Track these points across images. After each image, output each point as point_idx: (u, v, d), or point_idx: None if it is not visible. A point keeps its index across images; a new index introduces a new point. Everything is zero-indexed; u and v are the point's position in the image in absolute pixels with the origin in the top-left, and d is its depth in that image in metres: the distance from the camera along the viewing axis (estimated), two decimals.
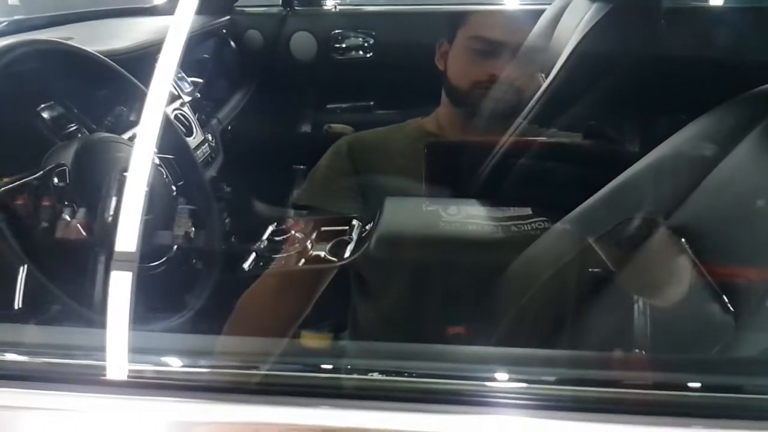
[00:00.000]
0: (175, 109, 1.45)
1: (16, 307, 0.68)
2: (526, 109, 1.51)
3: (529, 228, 1.07)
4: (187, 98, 1.54)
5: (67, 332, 0.73)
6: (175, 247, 0.95)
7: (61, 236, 0.78)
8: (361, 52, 2.07)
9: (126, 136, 1.03)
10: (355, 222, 1.30)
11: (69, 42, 0.96)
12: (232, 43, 2.08)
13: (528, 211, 1.09)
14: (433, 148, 1.12)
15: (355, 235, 1.25)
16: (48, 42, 0.91)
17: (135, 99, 1.03)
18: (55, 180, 0.82)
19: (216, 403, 0.59)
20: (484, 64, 1.16)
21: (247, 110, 1.99)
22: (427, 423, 0.57)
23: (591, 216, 1.01)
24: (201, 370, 0.65)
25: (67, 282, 0.75)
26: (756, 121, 0.89)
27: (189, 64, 1.78)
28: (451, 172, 1.13)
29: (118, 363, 0.60)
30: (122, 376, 0.60)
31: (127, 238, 0.63)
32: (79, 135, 0.98)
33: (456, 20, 1.22)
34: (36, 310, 0.70)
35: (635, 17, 1.19)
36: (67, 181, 0.82)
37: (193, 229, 0.95)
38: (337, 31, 2.08)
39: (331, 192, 1.23)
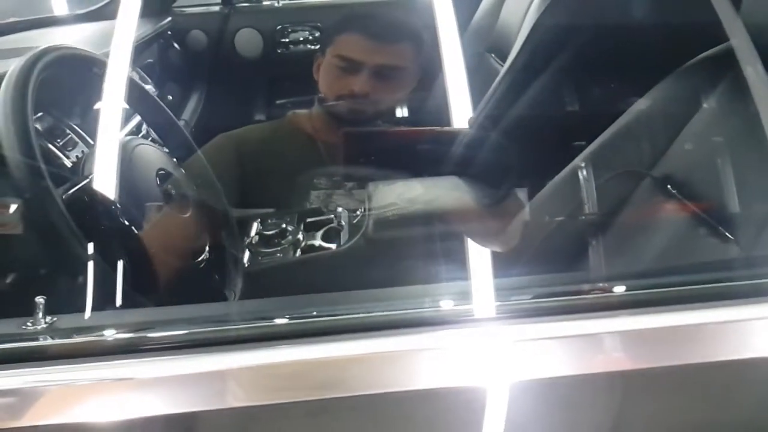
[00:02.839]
0: None
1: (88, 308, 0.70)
2: (491, 90, 1.61)
3: (390, 214, 1.17)
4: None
5: None
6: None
7: (119, 235, 0.79)
8: (309, 46, 2.10)
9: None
10: (340, 209, 1.35)
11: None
12: (176, 45, 2.06)
13: (391, 199, 1.18)
14: (349, 135, 1.19)
15: (345, 222, 1.30)
16: (68, 48, 0.90)
17: (142, 103, 1.04)
18: None
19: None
20: (345, 80, 1.26)
21: (205, 111, 1.98)
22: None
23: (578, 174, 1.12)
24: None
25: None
26: (719, 78, 1.01)
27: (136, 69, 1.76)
28: (365, 159, 1.20)
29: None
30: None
31: None
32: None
33: (327, 39, 1.31)
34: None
35: None
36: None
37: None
38: (281, 26, 2.10)
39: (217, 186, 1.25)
